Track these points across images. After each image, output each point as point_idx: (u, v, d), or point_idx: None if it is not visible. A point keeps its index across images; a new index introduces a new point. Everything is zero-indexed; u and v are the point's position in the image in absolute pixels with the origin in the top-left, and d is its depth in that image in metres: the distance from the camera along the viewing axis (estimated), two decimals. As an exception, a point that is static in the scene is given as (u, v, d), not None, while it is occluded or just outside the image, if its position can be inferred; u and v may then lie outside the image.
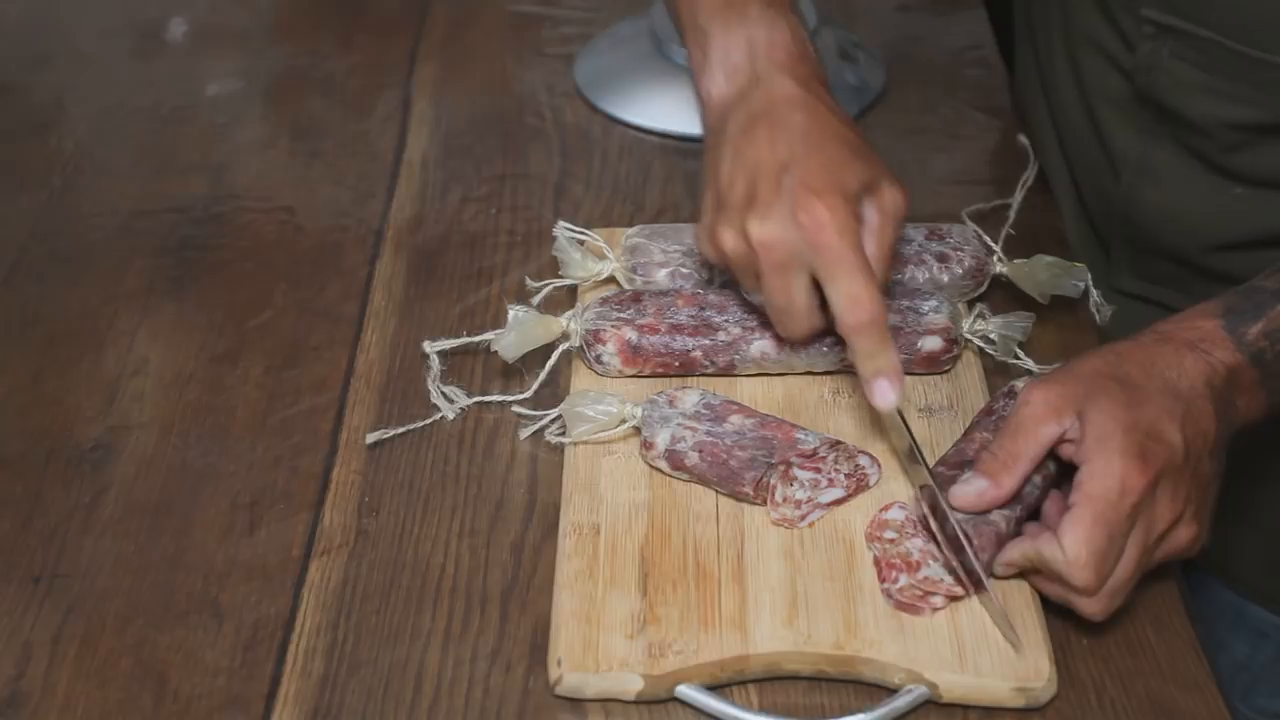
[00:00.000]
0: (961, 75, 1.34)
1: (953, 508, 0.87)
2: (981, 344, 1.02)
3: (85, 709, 0.85)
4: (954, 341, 1.00)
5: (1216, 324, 0.88)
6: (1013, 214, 1.10)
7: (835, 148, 0.91)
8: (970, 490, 0.86)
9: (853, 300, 0.88)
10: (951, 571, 0.87)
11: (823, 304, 0.92)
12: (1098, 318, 1.04)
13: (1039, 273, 1.04)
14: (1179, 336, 0.88)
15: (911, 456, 0.91)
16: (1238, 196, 1.04)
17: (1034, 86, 1.23)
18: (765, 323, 0.99)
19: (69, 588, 0.92)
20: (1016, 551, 0.86)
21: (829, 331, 0.93)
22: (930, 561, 0.88)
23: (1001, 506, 0.87)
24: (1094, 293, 1.03)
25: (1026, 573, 0.87)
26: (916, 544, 0.89)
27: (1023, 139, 1.17)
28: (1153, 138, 1.07)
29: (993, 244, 1.07)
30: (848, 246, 0.88)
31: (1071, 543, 0.82)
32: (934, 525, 0.88)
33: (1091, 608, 0.85)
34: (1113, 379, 0.86)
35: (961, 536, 0.86)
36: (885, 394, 0.90)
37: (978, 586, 0.86)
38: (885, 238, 0.92)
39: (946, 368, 1.01)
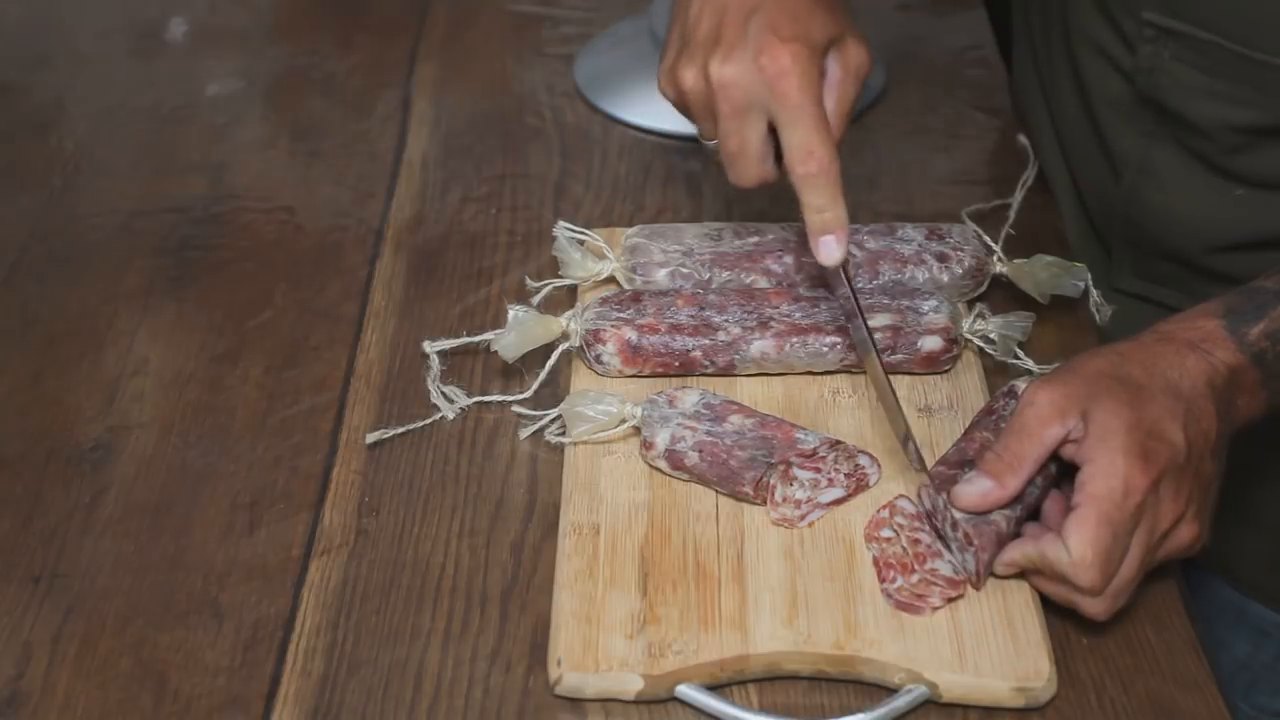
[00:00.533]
0: (961, 75, 1.34)
1: (958, 510, 0.87)
2: (981, 344, 1.02)
3: (85, 709, 0.85)
4: (954, 341, 1.00)
5: (1218, 324, 0.89)
6: (1013, 214, 1.10)
7: None
8: (974, 490, 0.86)
9: (806, 150, 0.89)
10: (953, 566, 0.87)
11: (777, 157, 0.92)
12: (1098, 318, 1.04)
13: (1039, 272, 1.04)
14: (1181, 337, 0.88)
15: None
16: (1239, 198, 1.04)
17: (1033, 87, 1.22)
18: (766, 322, 0.99)
19: (69, 588, 0.92)
20: (1018, 552, 0.86)
21: (782, 181, 0.93)
22: (932, 557, 0.88)
23: (1003, 507, 0.87)
24: (1094, 293, 1.03)
25: (1028, 573, 0.87)
26: (924, 537, 0.89)
27: (1022, 139, 1.17)
28: (1154, 139, 1.07)
29: (993, 244, 1.07)
30: (807, 96, 0.89)
31: (1077, 543, 0.82)
32: (935, 522, 0.88)
33: (1095, 608, 0.85)
34: (1115, 379, 0.86)
35: (949, 526, 0.86)
36: (831, 249, 0.91)
37: (975, 578, 0.86)
38: (846, 93, 0.92)
39: (946, 367, 1.01)
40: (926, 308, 1.01)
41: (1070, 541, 0.83)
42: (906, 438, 0.93)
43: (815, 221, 0.91)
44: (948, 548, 0.88)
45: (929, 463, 0.92)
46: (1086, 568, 0.82)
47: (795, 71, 0.88)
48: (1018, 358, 1.01)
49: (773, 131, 0.91)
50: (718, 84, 0.90)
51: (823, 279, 1.00)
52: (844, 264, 0.93)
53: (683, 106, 0.95)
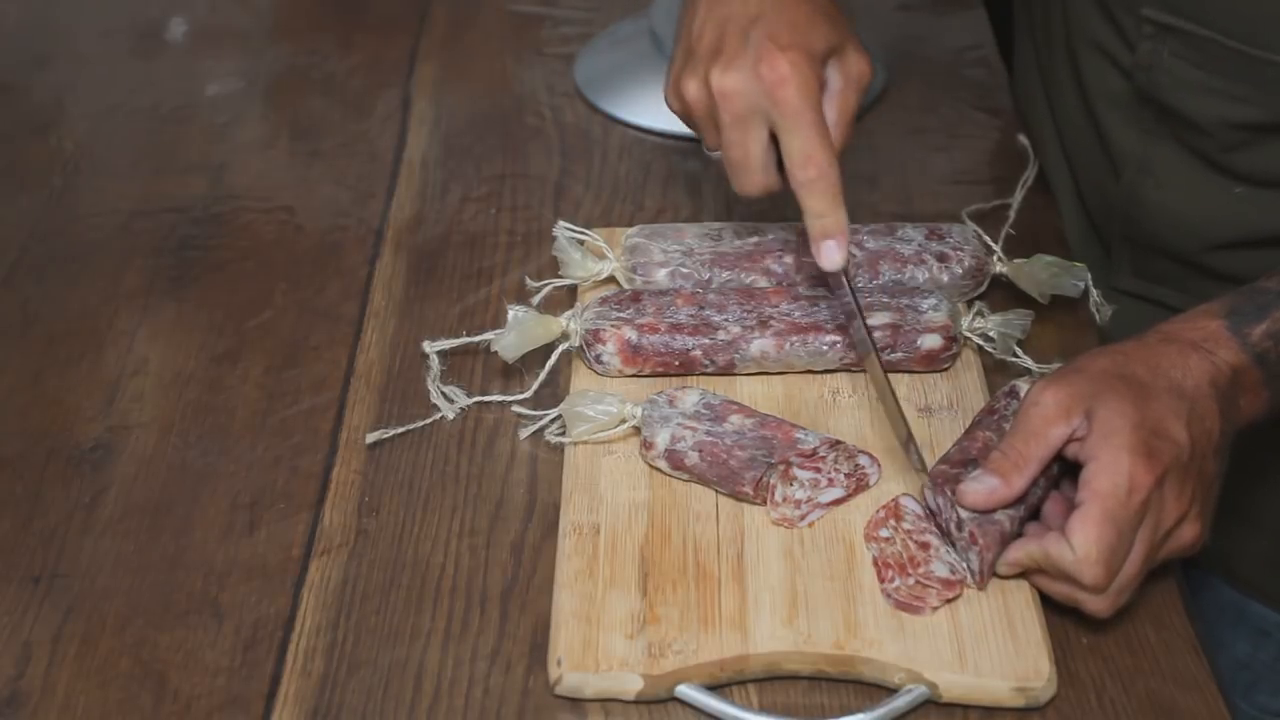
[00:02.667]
0: (961, 75, 1.34)
1: (964, 508, 0.87)
2: (980, 342, 1.02)
3: (85, 709, 0.85)
4: (953, 339, 1.00)
5: (1220, 324, 0.89)
6: (1013, 214, 1.10)
7: (804, 7, 0.93)
8: (981, 489, 0.86)
9: (806, 157, 0.90)
10: (951, 567, 0.87)
11: (780, 165, 0.92)
12: (1098, 317, 1.04)
13: (1039, 272, 1.04)
14: (1183, 336, 0.88)
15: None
16: (1238, 196, 1.04)
17: (1034, 86, 1.23)
18: (766, 321, 0.99)
19: (69, 588, 0.92)
20: (1021, 552, 0.86)
21: (785, 190, 0.93)
22: (934, 559, 0.88)
23: (1007, 506, 0.87)
24: (1094, 292, 1.03)
25: (1030, 573, 0.87)
26: (921, 538, 0.89)
27: (1023, 139, 1.17)
28: (1153, 137, 1.07)
29: (993, 244, 1.07)
30: (806, 104, 0.90)
31: (1081, 540, 0.82)
32: (940, 521, 0.88)
33: (1099, 606, 0.85)
34: (1119, 378, 0.86)
35: (954, 526, 0.86)
36: (832, 254, 0.92)
37: (978, 577, 0.86)
38: (846, 103, 0.93)
39: (946, 366, 1.01)
40: (926, 306, 1.01)
41: (1075, 539, 0.83)
42: (908, 439, 0.93)
43: (816, 227, 0.92)
44: (952, 547, 0.88)
45: (930, 462, 0.92)
46: (1091, 565, 0.82)
47: (794, 79, 0.89)
48: (1017, 356, 1.01)
49: (775, 140, 0.92)
50: (719, 93, 0.91)
51: (823, 279, 1.00)
52: (845, 268, 0.94)
53: (687, 117, 0.96)
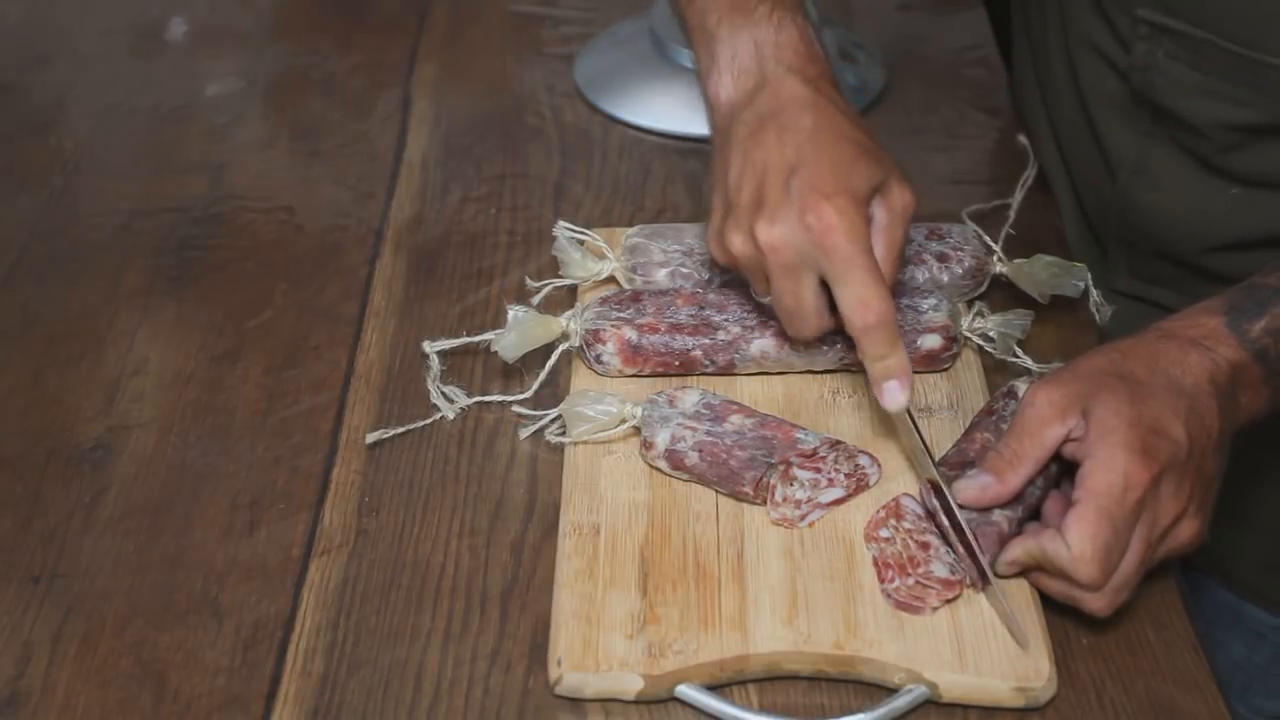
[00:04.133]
0: (961, 75, 1.35)
1: (958, 504, 0.87)
2: (981, 342, 1.02)
3: (85, 709, 0.85)
4: (953, 339, 1.00)
5: (1220, 321, 0.89)
6: (1013, 214, 1.10)
7: (843, 149, 0.90)
8: (974, 485, 0.86)
9: (861, 303, 0.88)
10: (951, 567, 0.87)
11: (832, 305, 0.91)
12: (1098, 318, 1.04)
13: (1039, 272, 1.04)
14: (1182, 334, 0.88)
15: (919, 457, 0.91)
16: (1234, 197, 1.04)
17: (1031, 86, 1.23)
18: (766, 320, 0.99)
19: (69, 588, 0.92)
20: (1020, 549, 0.86)
21: (838, 331, 0.93)
22: (934, 559, 0.88)
23: (1003, 506, 0.87)
24: (1094, 293, 1.03)
25: (1029, 572, 0.87)
26: (928, 538, 0.89)
27: (1022, 139, 1.17)
28: (1149, 138, 1.07)
29: (992, 244, 1.07)
30: (856, 249, 0.87)
31: (1077, 538, 0.82)
32: (939, 521, 0.88)
33: (1096, 604, 0.85)
34: (1116, 376, 0.86)
35: (969, 534, 0.86)
36: (895, 395, 0.90)
37: (984, 581, 0.86)
38: (894, 237, 0.91)
39: (946, 365, 1.01)
40: (926, 306, 1.01)
41: (1070, 536, 0.83)
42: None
43: (878, 370, 0.90)
44: (951, 548, 0.88)
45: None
46: (1086, 563, 0.82)
47: (842, 226, 0.87)
48: (1017, 356, 1.01)
49: (825, 283, 0.90)
50: (767, 247, 0.89)
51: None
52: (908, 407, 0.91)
53: (734, 268, 0.95)
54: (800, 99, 0.92)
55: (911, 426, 0.91)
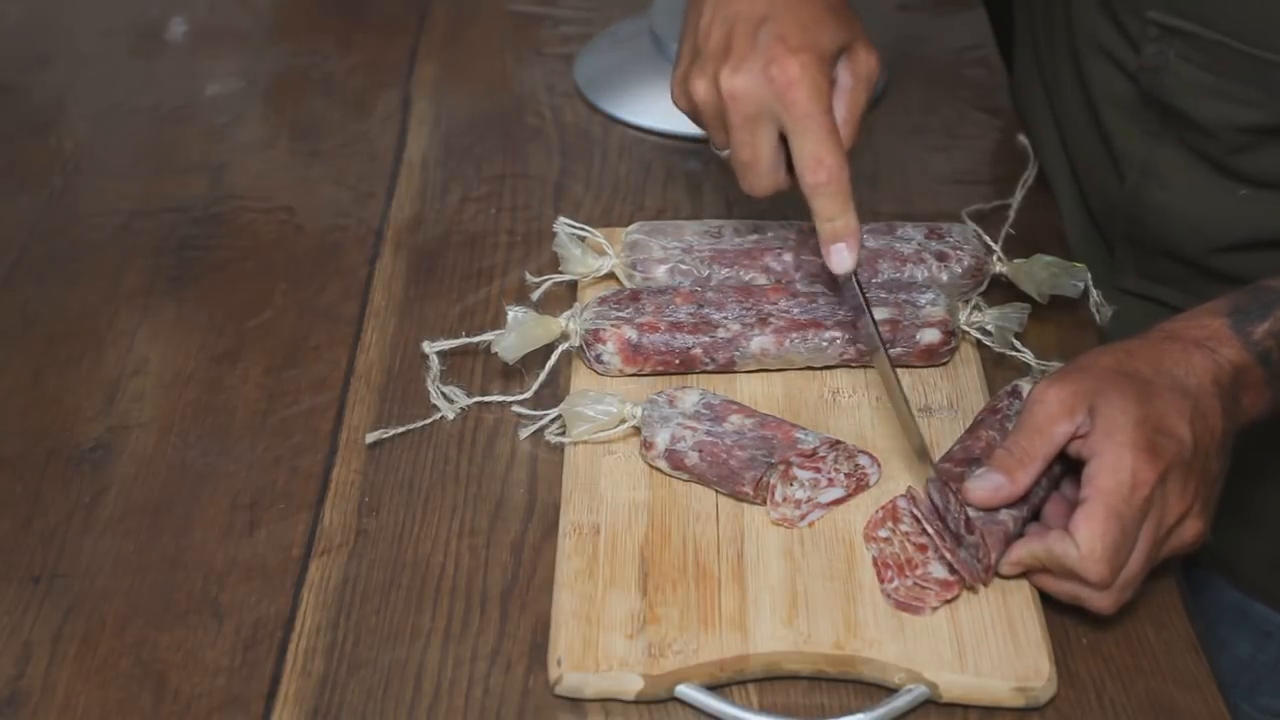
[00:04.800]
0: (961, 75, 1.35)
1: (965, 502, 0.87)
2: (979, 335, 1.02)
3: (85, 709, 0.85)
4: (951, 333, 1.00)
5: (1223, 323, 0.89)
6: (1013, 214, 1.10)
7: (815, 6, 0.91)
8: (987, 485, 0.86)
9: (815, 159, 0.89)
10: (949, 567, 0.87)
11: (789, 165, 0.92)
12: (1098, 318, 1.04)
13: (1038, 272, 1.04)
14: (1186, 335, 0.89)
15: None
16: (1243, 198, 1.04)
17: (1035, 87, 1.22)
18: (764, 319, 0.99)
19: (69, 588, 0.92)
20: (1024, 551, 0.86)
21: (794, 190, 0.93)
22: (931, 560, 0.88)
23: (1010, 506, 0.87)
24: (1094, 293, 1.03)
25: (1032, 572, 0.87)
26: (924, 538, 0.89)
27: (1022, 139, 1.17)
28: (1158, 139, 1.07)
29: (992, 243, 1.07)
30: (816, 106, 0.89)
31: (1086, 537, 0.82)
32: (938, 519, 0.88)
33: (1103, 603, 0.85)
34: (1123, 374, 0.86)
35: (963, 525, 0.86)
36: (843, 257, 0.92)
37: (985, 574, 0.86)
38: (856, 101, 0.92)
39: (944, 360, 1.01)
40: (924, 300, 1.01)
41: (1079, 535, 0.83)
42: (913, 429, 0.92)
43: (826, 230, 0.91)
44: (959, 544, 0.88)
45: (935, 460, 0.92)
46: (1095, 561, 0.82)
47: (804, 81, 0.88)
48: (1015, 349, 1.01)
49: (784, 140, 0.91)
50: (728, 95, 0.90)
51: (823, 276, 1.00)
52: (855, 271, 0.93)
53: (695, 116, 0.95)
54: None
55: (862, 303, 0.93)
